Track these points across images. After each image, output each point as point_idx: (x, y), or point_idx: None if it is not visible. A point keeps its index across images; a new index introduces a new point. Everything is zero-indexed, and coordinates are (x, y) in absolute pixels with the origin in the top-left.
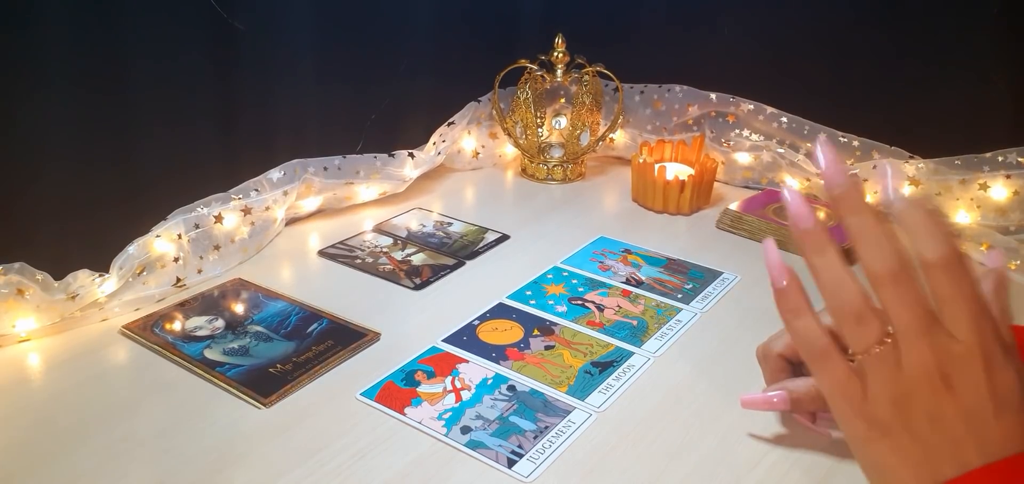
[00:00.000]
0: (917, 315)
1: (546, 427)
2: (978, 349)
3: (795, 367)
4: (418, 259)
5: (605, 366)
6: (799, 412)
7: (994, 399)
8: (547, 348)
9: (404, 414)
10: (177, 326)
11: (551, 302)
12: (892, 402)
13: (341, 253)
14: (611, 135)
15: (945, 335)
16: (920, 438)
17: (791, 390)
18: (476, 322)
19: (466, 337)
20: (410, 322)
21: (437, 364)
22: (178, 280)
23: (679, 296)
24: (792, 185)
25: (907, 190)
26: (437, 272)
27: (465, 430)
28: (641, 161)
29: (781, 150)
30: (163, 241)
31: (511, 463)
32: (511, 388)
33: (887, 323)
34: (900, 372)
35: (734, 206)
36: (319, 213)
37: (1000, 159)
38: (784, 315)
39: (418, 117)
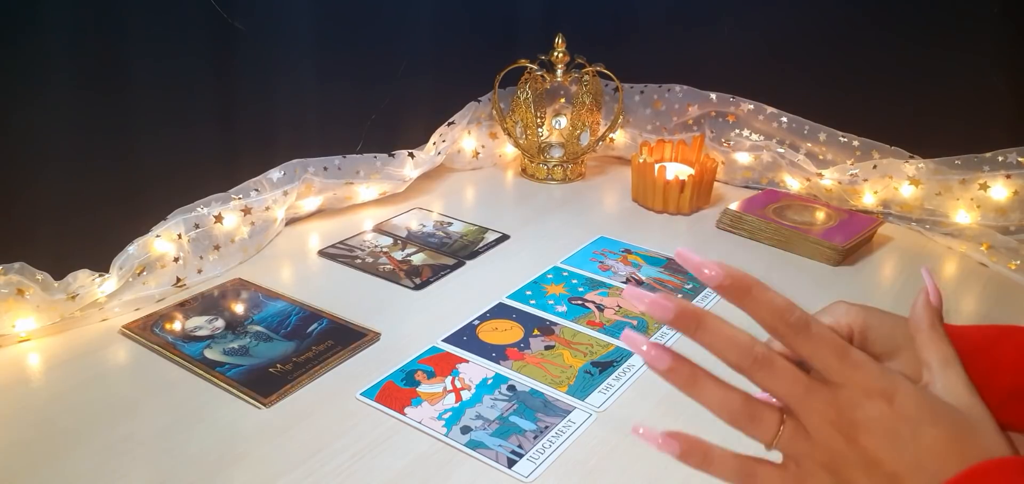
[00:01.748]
0: (792, 380)
1: (546, 427)
2: (863, 384)
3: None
4: (418, 259)
5: (605, 366)
6: None
7: (906, 421)
8: (547, 348)
9: (404, 414)
10: (177, 326)
11: (551, 302)
12: (826, 470)
13: (341, 253)
14: (611, 135)
15: (827, 386)
16: None
17: None
18: (476, 322)
19: (466, 337)
20: (410, 322)
21: (437, 364)
22: (178, 280)
23: (679, 296)
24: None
25: (908, 190)
26: (437, 272)
27: (465, 430)
28: (641, 161)
29: (781, 150)
30: (163, 241)
31: (511, 463)
32: (511, 388)
33: (780, 406)
34: (812, 441)
35: (734, 206)
36: (319, 213)
37: (1000, 159)
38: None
39: (418, 117)
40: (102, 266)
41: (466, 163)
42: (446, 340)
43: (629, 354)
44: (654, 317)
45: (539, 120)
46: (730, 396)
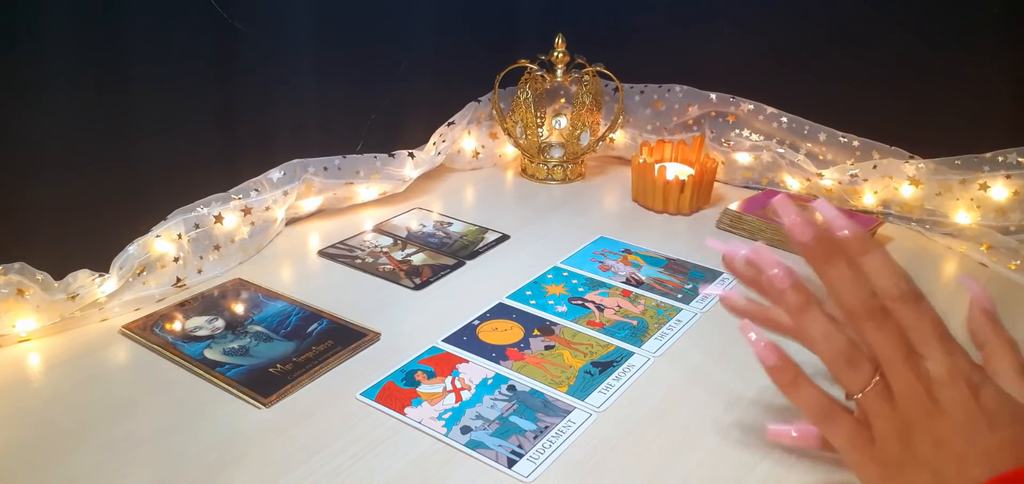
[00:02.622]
0: (896, 343)
1: (546, 427)
2: (955, 369)
3: None
4: (418, 259)
5: (605, 366)
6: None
7: (985, 413)
8: (547, 348)
9: (404, 414)
10: (177, 326)
11: (551, 302)
12: (897, 437)
13: (341, 253)
14: (611, 135)
15: (923, 359)
16: (928, 464)
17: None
18: (476, 322)
19: (466, 337)
20: (410, 322)
21: (437, 364)
22: (178, 280)
23: (679, 296)
24: (770, 258)
25: (908, 190)
26: (437, 272)
27: (465, 430)
28: (641, 161)
29: (781, 150)
30: (163, 241)
31: (511, 463)
32: (511, 388)
33: (875, 362)
34: (894, 404)
35: (734, 206)
36: (319, 213)
37: (1000, 159)
38: (782, 390)
39: (418, 117)
40: (102, 266)
41: (466, 163)
42: (446, 340)
43: (629, 354)
44: (793, 235)
45: (539, 120)
46: (836, 332)
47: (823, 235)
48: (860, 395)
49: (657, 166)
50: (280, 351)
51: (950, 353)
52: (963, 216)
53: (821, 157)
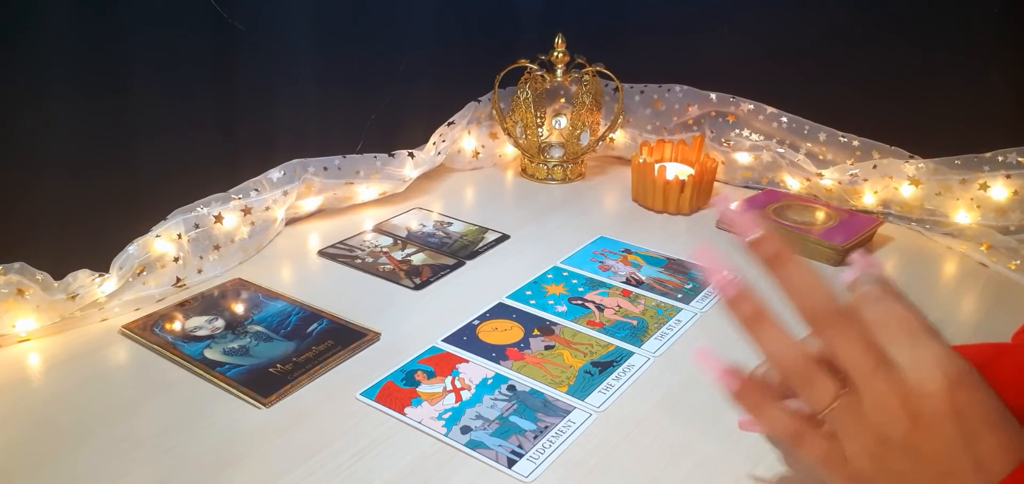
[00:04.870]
0: (862, 351)
1: (546, 427)
2: (935, 375)
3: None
4: (418, 259)
5: (605, 366)
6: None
7: (965, 424)
8: (547, 348)
9: (404, 414)
10: (177, 326)
11: (551, 302)
12: (870, 456)
13: (341, 253)
14: (611, 135)
15: (894, 365)
16: (906, 481)
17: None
18: (476, 322)
19: (466, 337)
20: (410, 322)
21: (437, 364)
22: (178, 280)
23: (679, 296)
24: (728, 280)
25: (908, 190)
26: (437, 272)
27: (465, 430)
28: (641, 161)
29: (781, 150)
30: (163, 241)
31: (511, 463)
32: (511, 388)
33: (838, 375)
34: (864, 418)
35: (734, 206)
36: (319, 213)
37: (1000, 159)
38: (750, 414)
39: (418, 117)
40: (102, 266)
41: (466, 163)
42: (446, 340)
43: (629, 354)
44: (739, 230)
45: (539, 120)
46: (790, 348)
47: (771, 233)
48: (826, 414)
49: (657, 166)
50: (280, 351)
51: (928, 351)
52: (963, 216)
53: (821, 157)
